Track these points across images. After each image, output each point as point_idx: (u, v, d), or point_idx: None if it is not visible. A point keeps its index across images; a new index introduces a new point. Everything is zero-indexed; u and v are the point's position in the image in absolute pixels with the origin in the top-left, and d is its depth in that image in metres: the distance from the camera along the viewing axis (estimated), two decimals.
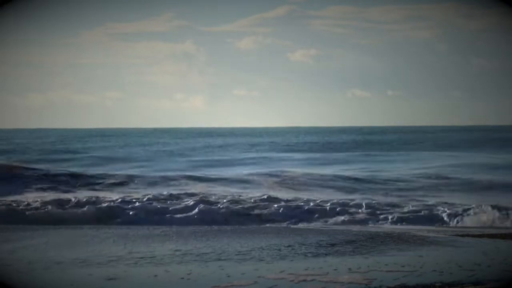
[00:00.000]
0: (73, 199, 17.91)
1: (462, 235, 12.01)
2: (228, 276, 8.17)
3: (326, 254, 9.98)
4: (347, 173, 27.00)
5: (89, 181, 24.08)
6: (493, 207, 16.17)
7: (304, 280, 8.00)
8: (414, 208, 17.02)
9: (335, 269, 8.55)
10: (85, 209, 16.72)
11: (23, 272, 8.51)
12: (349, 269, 8.73)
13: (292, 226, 14.35)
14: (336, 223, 15.50)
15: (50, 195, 20.00)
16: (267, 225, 14.80)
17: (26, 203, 17.36)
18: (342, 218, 16.05)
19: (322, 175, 25.89)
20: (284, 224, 15.36)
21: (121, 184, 23.57)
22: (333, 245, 11.18)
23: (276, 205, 17.25)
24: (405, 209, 16.88)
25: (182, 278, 8.04)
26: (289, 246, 10.57)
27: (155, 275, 8.18)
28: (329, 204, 17.30)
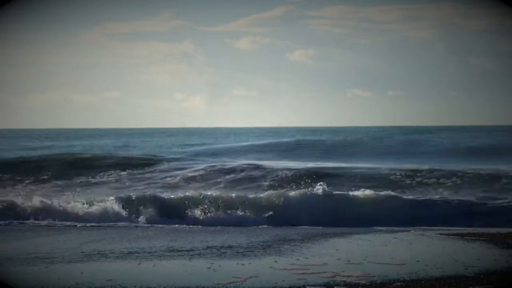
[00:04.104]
0: None
1: (462, 235, 12.02)
2: (243, 265, 8.49)
3: (322, 248, 10.06)
4: None
5: None
6: None
7: (304, 273, 8.10)
8: None
9: (332, 262, 8.61)
10: None
11: (24, 271, 8.50)
12: (348, 261, 8.80)
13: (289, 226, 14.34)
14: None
15: None
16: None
17: None
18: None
19: None
20: None
21: None
22: (326, 239, 11.25)
23: None
24: None
25: (209, 268, 8.59)
26: (291, 239, 10.64)
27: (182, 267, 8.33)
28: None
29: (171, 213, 15.53)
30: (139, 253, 9.83)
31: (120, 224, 14.51)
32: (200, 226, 14.33)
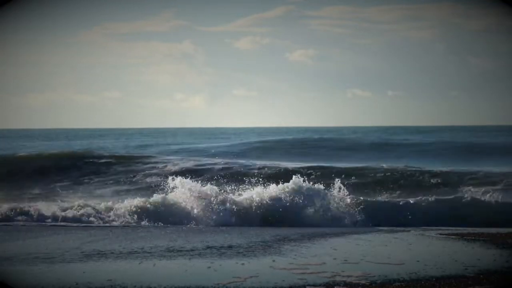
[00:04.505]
0: None
1: (462, 235, 12.02)
2: (243, 264, 8.70)
3: (322, 248, 10.07)
4: None
5: None
6: None
7: (304, 273, 8.11)
8: None
9: (332, 262, 8.62)
10: None
11: (24, 271, 8.51)
12: (348, 261, 8.81)
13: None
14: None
15: None
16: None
17: None
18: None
19: None
20: None
21: None
22: (325, 239, 11.27)
23: None
24: None
25: (209, 267, 8.65)
26: (291, 239, 10.65)
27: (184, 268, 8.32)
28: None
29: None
30: (139, 253, 9.83)
31: (120, 224, 14.51)
32: (200, 226, 14.33)
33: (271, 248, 10.26)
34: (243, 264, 8.93)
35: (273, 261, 9.08)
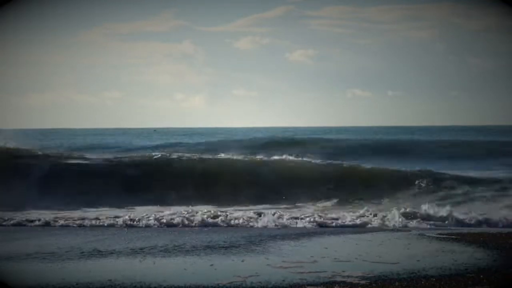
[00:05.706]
0: None
1: (462, 235, 12.01)
2: (242, 261, 8.87)
3: (322, 248, 10.07)
4: None
5: None
6: None
7: (303, 273, 8.12)
8: None
9: (332, 262, 8.62)
10: None
11: (24, 271, 8.51)
12: (347, 261, 8.81)
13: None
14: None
15: None
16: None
17: None
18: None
19: None
20: None
21: None
22: (325, 239, 11.28)
23: None
24: None
25: (210, 266, 8.74)
26: (291, 239, 10.66)
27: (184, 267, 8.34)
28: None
29: None
30: (139, 253, 9.83)
31: (120, 224, 14.49)
32: (199, 227, 14.33)
33: (271, 248, 10.26)
34: (243, 261, 8.94)
35: (275, 261, 9.07)
